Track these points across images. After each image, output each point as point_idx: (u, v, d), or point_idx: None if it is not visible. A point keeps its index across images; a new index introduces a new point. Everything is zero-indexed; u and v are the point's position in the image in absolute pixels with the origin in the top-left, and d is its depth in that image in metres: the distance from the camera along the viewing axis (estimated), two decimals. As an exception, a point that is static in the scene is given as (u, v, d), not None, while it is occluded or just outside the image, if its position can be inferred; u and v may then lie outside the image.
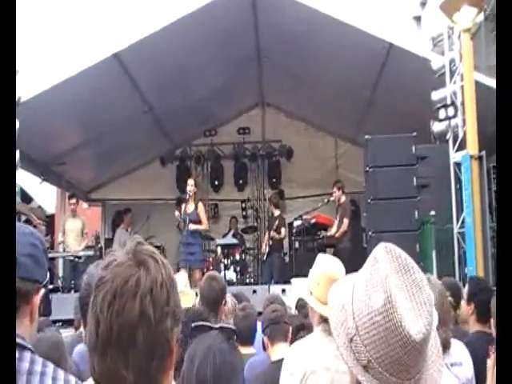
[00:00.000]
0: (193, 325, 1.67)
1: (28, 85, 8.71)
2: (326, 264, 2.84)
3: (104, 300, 1.10)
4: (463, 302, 3.75)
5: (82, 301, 1.89)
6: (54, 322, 6.22)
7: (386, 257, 1.22)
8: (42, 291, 1.48)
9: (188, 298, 4.03)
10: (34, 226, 10.64)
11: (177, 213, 10.07)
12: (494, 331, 3.62)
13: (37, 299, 1.46)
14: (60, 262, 11.60)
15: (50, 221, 14.65)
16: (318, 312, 2.73)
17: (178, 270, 9.22)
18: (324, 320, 2.72)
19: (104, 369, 1.11)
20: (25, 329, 1.43)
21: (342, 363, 2.53)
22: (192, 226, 9.65)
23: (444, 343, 2.50)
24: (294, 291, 3.56)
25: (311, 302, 2.76)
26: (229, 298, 4.21)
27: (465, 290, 3.79)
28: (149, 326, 1.10)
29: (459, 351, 2.81)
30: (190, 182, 9.94)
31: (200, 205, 9.90)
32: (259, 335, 3.80)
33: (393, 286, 1.17)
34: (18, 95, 7.60)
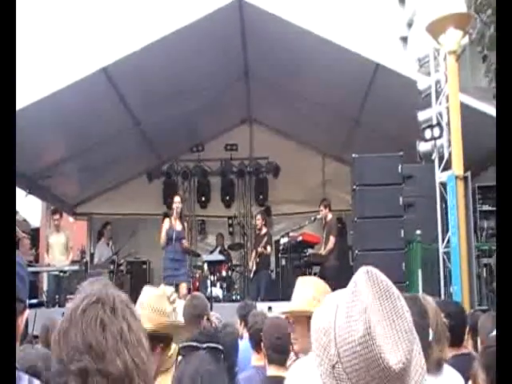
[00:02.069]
0: (180, 345, 1.65)
1: (15, 98, 8.68)
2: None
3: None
4: None
5: None
6: (36, 337, 6.12)
7: (366, 282, 1.23)
8: (27, 312, 1.46)
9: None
10: (19, 240, 10.53)
11: (166, 225, 9.82)
12: (470, 348, 3.62)
13: (22, 319, 1.44)
14: (45, 276, 11.49)
15: (34, 234, 14.53)
16: None
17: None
18: None
19: None
20: None
21: None
22: (185, 243, 9.79)
23: (438, 361, 2.48)
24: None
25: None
26: (213, 317, 4.23)
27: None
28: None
29: (452, 375, 2.76)
30: (177, 199, 9.91)
31: (185, 224, 10.09)
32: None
33: (372, 316, 1.18)
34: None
